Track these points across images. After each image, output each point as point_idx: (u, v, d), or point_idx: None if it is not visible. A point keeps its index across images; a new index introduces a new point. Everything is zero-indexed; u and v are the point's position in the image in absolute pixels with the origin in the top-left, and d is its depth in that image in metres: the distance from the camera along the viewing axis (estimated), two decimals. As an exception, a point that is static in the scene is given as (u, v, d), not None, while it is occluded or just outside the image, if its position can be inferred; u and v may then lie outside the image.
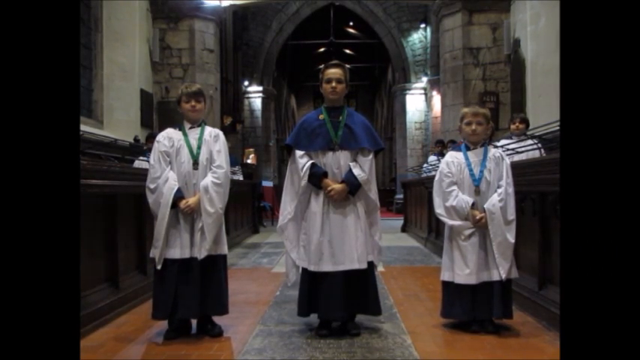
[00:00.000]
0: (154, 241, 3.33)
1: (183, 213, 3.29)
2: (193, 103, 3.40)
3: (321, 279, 3.31)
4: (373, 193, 3.44)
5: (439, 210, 3.47)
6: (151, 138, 7.49)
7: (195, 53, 11.13)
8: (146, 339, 3.35)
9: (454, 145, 8.36)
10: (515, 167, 4.36)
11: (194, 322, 3.44)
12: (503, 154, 3.53)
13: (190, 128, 3.45)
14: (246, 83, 17.61)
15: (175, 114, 3.70)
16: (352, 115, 3.49)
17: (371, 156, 3.42)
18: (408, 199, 11.02)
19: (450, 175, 3.44)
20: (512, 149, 5.20)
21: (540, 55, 9.04)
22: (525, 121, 5.92)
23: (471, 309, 3.36)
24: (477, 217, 3.33)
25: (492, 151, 3.50)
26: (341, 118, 3.42)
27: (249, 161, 16.63)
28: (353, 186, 3.32)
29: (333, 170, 3.36)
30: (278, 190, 15.88)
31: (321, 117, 3.44)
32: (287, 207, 3.48)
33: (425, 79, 16.85)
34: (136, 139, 9.22)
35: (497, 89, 10.37)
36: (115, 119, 9.92)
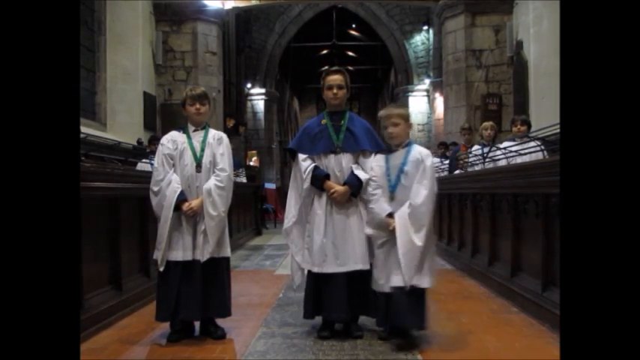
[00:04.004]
0: (157, 244, 3.35)
1: (186, 215, 3.31)
2: (198, 106, 3.42)
3: (325, 280, 3.33)
4: (374, 195, 3.45)
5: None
6: (153, 140, 7.52)
7: (198, 56, 11.16)
8: (149, 341, 3.36)
9: (455, 147, 8.37)
10: (518, 169, 4.37)
11: (197, 324, 3.45)
12: (427, 154, 3.27)
13: (194, 131, 3.46)
14: (248, 85, 17.64)
15: (178, 116, 3.73)
16: (353, 119, 3.52)
17: (372, 157, 3.44)
18: (410, 201, 10.99)
19: (375, 179, 3.30)
20: (515, 151, 5.20)
21: (543, 57, 9.04)
22: (527, 123, 5.91)
23: (386, 317, 3.24)
24: (390, 227, 3.15)
25: (416, 152, 3.26)
26: (343, 121, 3.45)
27: (251, 164, 16.65)
28: (355, 187, 3.34)
29: (335, 173, 3.38)
30: (280, 193, 15.96)
31: (323, 122, 3.48)
32: (291, 210, 3.50)
33: (427, 81, 16.85)
34: (139, 142, 9.25)
35: (500, 91, 10.37)
36: (118, 122, 9.95)
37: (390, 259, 3.18)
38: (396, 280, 3.11)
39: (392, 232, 3.16)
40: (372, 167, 3.33)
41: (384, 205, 3.22)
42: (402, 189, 3.21)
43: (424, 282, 3.14)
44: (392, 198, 3.23)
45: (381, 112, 3.39)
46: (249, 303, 4.33)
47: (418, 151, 3.28)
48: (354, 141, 3.40)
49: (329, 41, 19.94)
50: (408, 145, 3.30)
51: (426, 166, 3.19)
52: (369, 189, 3.30)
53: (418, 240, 3.09)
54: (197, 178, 3.37)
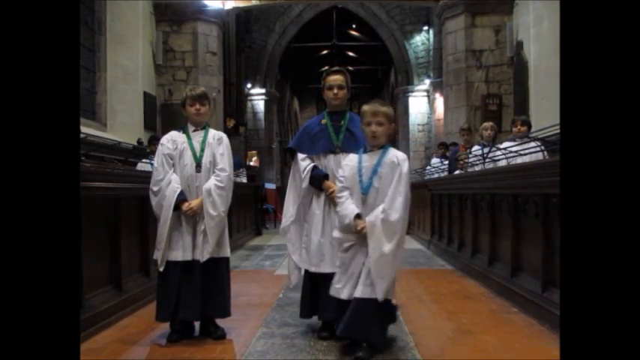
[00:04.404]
0: (157, 244, 3.35)
1: (186, 215, 3.31)
2: (198, 106, 3.42)
3: (322, 280, 3.33)
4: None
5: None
6: (153, 140, 7.52)
7: (198, 56, 11.16)
8: (149, 341, 3.36)
9: (455, 147, 8.38)
10: (518, 169, 4.37)
11: (197, 324, 3.45)
12: (404, 159, 3.07)
13: (194, 131, 3.46)
14: (249, 86, 17.65)
15: (178, 116, 3.73)
16: (354, 119, 3.51)
17: None
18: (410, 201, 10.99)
19: (342, 179, 3.13)
20: (515, 151, 5.20)
21: (543, 58, 9.04)
22: (527, 124, 5.92)
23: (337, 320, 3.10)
24: (359, 227, 2.97)
25: (392, 155, 3.08)
26: (343, 122, 3.45)
27: (251, 164, 16.66)
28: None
29: (334, 173, 3.37)
30: (280, 193, 15.95)
31: (323, 122, 3.49)
32: (289, 209, 3.51)
33: (427, 81, 16.86)
34: (139, 142, 9.25)
35: (500, 91, 10.37)
36: (119, 122, 9.95)
37: (353, 266, 3.02)
38: (363, 292, 2.93)
39: (359, 234, 2.99)
40: (342, 166, 3.19)
41: (350, 206, 3.04)
42: (374, 191, 3.03)
43: (390, 293, 2.99)
44: (363, 200, 3.04)
45: (366, 107, 3.12)
46: (249, 303, 4.33)
47: (394, 154, 3.08)
48: (354, 141, 3.40)
49: (329, 41, 19.94)
50: (384, 147, 3.11)
51: (403, 172, 3.00)
52: (336, 190, 3.17)
53: (388, 248, 2.91)
54: (197, 178, 3.38)
